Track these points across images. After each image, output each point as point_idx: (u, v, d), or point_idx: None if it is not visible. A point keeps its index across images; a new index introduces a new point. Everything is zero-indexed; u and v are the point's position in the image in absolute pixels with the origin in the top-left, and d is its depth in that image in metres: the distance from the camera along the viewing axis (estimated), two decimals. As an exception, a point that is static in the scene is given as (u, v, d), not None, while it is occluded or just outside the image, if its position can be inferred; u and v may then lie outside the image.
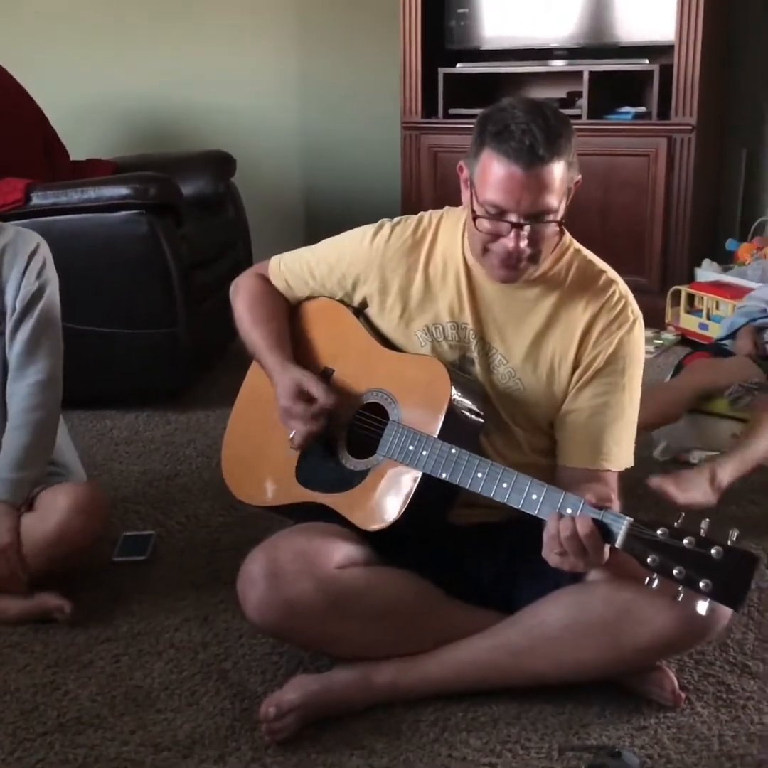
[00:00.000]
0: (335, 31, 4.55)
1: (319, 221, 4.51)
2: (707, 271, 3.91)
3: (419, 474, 1.66)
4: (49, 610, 1.98)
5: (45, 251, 2.12)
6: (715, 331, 3.19)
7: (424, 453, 1.65)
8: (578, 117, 3.92)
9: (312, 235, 2.01)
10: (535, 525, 1.55)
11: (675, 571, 1.41)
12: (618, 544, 1.47)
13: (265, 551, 1.68)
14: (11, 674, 1.85)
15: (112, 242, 2.96)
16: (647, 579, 1.44)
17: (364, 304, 1.87)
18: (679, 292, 3.81)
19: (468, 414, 1.71)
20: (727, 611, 1.61)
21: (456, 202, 1.79)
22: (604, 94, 3.96)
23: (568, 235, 1.78)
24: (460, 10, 4.15)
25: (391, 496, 1.69)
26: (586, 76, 3.91)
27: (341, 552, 1.69)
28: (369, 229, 1.86)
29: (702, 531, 1.43)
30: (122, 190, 2.94)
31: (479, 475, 1.60)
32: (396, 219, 1.86)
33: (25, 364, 2.06)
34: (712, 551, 1.39)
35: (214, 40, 4.51)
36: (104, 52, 4.49)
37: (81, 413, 3.04)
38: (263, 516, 1.93)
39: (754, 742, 1.66)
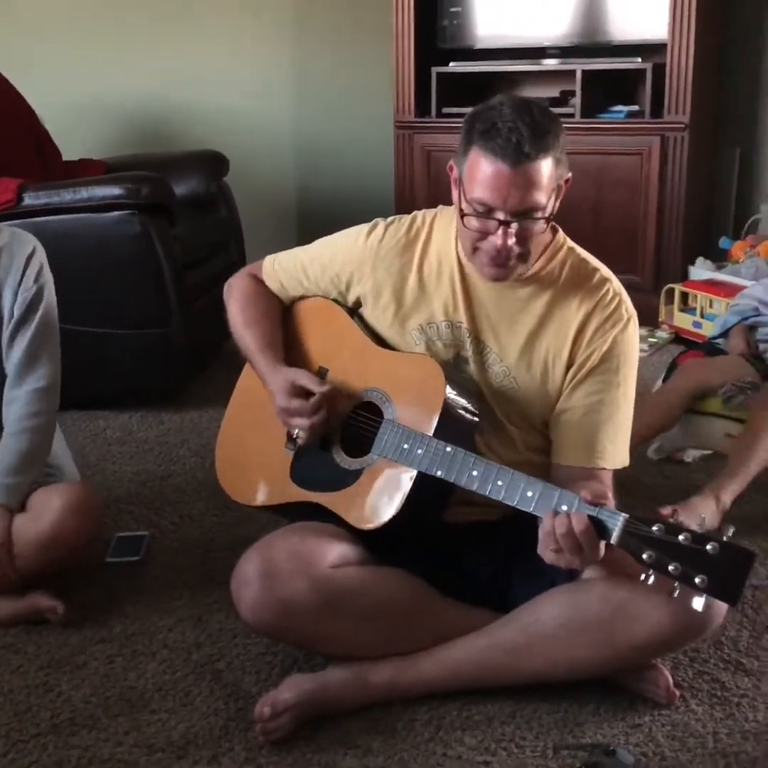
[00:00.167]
0: (328, 30, 4.55)
1: (312, 221, 4.50)
2: (701, 270, 3.91)
3: (414, 472, 1.66)
4: (42, 611, 1.98)
5: (41, 254, 2.11)
6: (709, 330, 3.19)
7: (419, 451, 1.65)
8: (571, 116, 3.92)
9: (305, 235, 2.00)
10: (531, 523, 1.55)
11: (671, 567, 1.41)
12: (613, 540, 1.47)
13: (259, 551, 1.68)
14: (4, 675, 1.84)
15: (105, 242, 2.95)
16: (643, 575, 1.44)
17: (358, 304, 1.86)
18: (672, 290, 3.82)
19: (463, 412, 1.70)
20: (722, 609, 1.61)
21: (449, 201, 1.79)
22: (597, 93, 3.96)
23: (561, 234, 1.78)
24: (453, 9, 4.15)
25: (386, 494, 1.69)
26: (579, 74, 3.92)
27: (335, 551, 1.69)
28: (363, 228, 1.86)
29: (698, 527, 1.43)
30: (115, 190, 2.93)
31: (474, 473, 1.60)
32: (390, 218, 1.86)
33: (25, 371, 2.05)
34: (708, 547, 1.39)
35: (208, 40, 4.50)
36: (97, 52, 4.48)
37: (74, 414, 3.03)
38: (257, 516, 1.93)
39: (749, 740, 1.66)
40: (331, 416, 1.79)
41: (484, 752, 1.63)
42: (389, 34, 4.14)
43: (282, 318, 1.94)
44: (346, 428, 1.80)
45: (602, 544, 1.50)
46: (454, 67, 4.14)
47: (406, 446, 1.66)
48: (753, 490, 2.37)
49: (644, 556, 1.43)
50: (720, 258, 4.02)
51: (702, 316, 3.68)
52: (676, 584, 1.41)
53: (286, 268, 1.94)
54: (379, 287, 1.81)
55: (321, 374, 1.86)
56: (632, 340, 1.76)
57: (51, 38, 4.44)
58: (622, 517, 1.47)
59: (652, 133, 3.86)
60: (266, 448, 1.86)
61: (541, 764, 1.60)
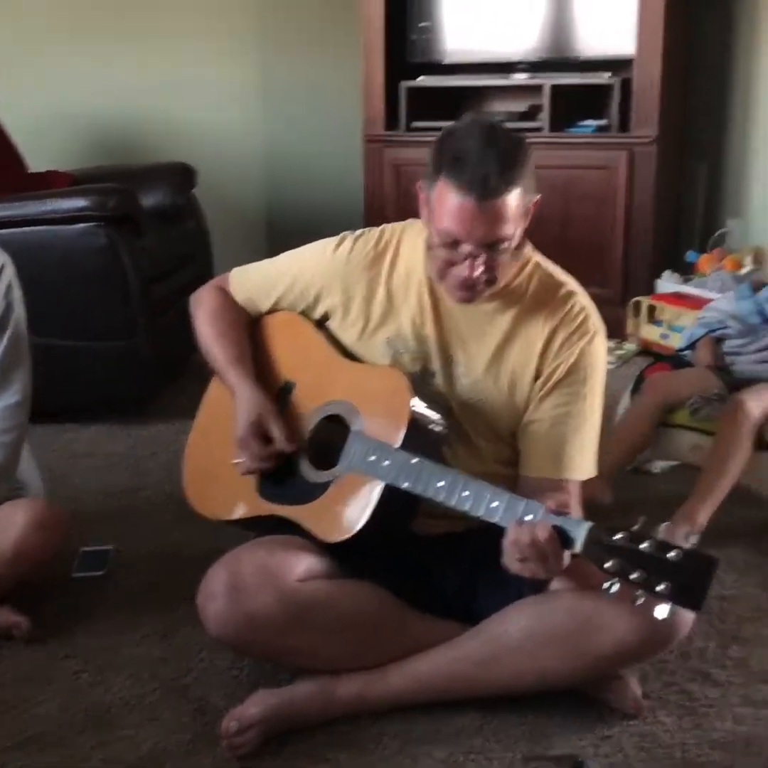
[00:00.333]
0: (297, 42, 4.56)
1: (281, 233, 4.50)
2: (668, 283, 3.95)
3: (381, 484, 1.65)
4: (7, 627, 1.95)
5: (11, 269, 2.10)
6: (677, 342, 3.21)
7: (386, 463, 1.65)
8: (540, 130, 3.95)
9: (275, 248, 2.00)
10: (498, 534, 1.55)
11: (634, 575, 1.41)
12: (577, 549, 1.48)
13: (226, 565, 1.67)
14: (-32, 692, 1.82)
15: (71, 254, 2.94)
16: (606, 584, 1.43)
17: (325, 317, 1.86)
18: (640, 302, 3.85)
19: (430, 425, 1.71)
20: (687, 619, 1.62)
21: (418, 214, 1.79)
22: (565, 108, 3.99)
23: (529, 248, 1.79)
24: (422, 24, 4.17)
25: (353, 507, 1.68)
26: (547, 89, 3.95)
27: (303, 565, 1.69)
28: (331, 241, 1.86)
29: (659, 534, 1.44)
30: (80, 202, 2.92)
31: (441, 484, 1.59)
32: (358, 231, 1.86)
33: None
34: (671, 555, 1.40)
35: (176, 52, 4.50)
36: (65, 64, 4.46)
37: (41, 427, 3.00)
38: (224, 530, 1.91)
39: (716, 750, 1.67)
40: (297, 430, 1.78)
41: (452, 765, 1.63)
42: (359, 47, 4.15)
43: (250, 331, 1.93)
44: (313, 441, 1.79)
45: (567, 553, 1.50)
46: (423, 81, 4.16)
47: (373, 458, 1.66)
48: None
49: (607, 564, 1.43)
50: (687, 271, 4.06)
51: (669, 329, 3.71)
52: (639, 592, 1.41)
53: (254, 281, 1.93)
54: (348, 300, 1.81)
55: (287, 387, 1.85)
56: (599, 353, 1.77)
57: (17, 50, 4.42)
58: (586, 525, 1.48)
59: (619, 148, 3.89)
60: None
61: (510, 776, 1.60)
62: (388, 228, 1.85)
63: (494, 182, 1.56)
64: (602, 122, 3.96)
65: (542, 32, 4.05)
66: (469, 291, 1.67)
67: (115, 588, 2.17)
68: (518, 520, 1.51)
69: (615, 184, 3.91)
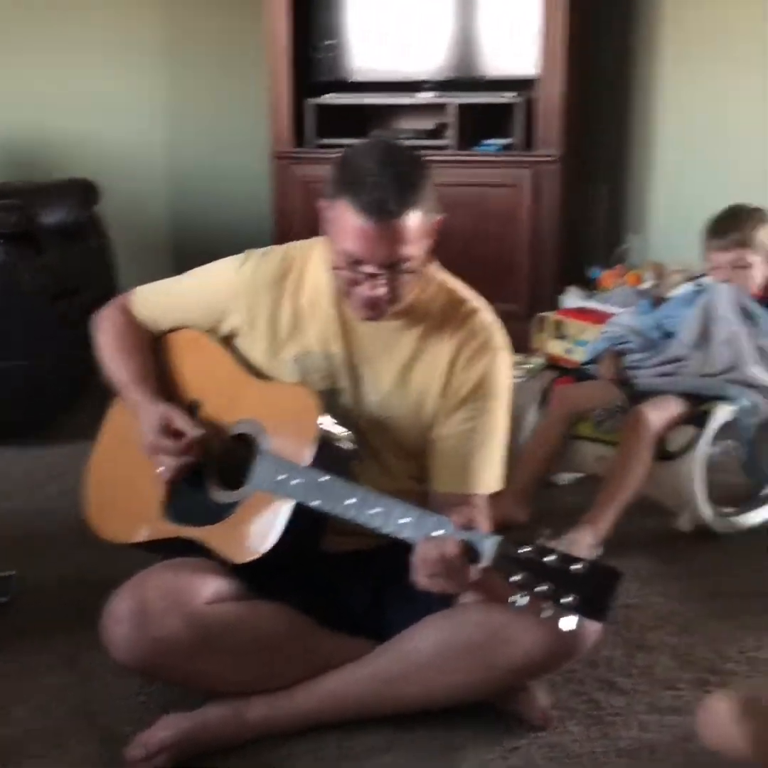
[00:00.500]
0: (204, 58, 4.53)
1: (188, 251, 4.45)
2: (572, 298, 4.02)
3: (291, 503, 1.64)
4: None
5: None
6: (581, 356, 3.28)
7: (295, 482, 1.64)
8: (447, 148, 4.01)
9: (181, 266, 1.98)
10: (407, 550, 1.55)
11: (540, 588, 1.42)
12: (485, 563, 1.49)
13: (131, 589, 1.64)
14: None
15: (-32, 272, 2.87)
16: (513, 597, 1.44)
17: (232, 335, 1.85)
18: (546, 318, 3.91)
19: (339, 442, 1.71)
20: (593, 630, 1.65)
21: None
22: (472, 126, 4.05)
23: (433, 265, 1.81)
24: (328, 42, 4.18)
25: (261, 527, 1.67)
26: (453, 108, 4.00)
27: (210, 587, 1.67)
28: (236, 259, 1.85)
29: (560, 546, 1.46)
30: (-23, 219, 2.86)
31: (350, 501, 1.59)
32: (263, 249, 1.85)
33: None
34: (576, 567, 1.42)
35: (79, 68, 4.41)
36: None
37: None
38: (131, 553, 1.88)
39: (623, 757, 1.70)
40: (205, 449, 1.76)
41: (363, 783, 1.63)
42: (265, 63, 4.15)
43: (153, 350, 1.91)
44: (220, 461, 1.78)
45: (475, 567, 1.51)
46: (329, 98, 4.17)
47: (281, 477, 1.65)
48: (627, 511, 2.44)
49: (514, 577, 1.44)
50: (590, 287, 4.14)
51: (574, 343, 3.78)
52: (545, 604, 1.43)
53: (157, 300, 1.91)
54: (254, 318, 1.81)
55: (193, 407, 1.83)
56: (503, 368, 1.80)
57: None
58: (493, 539, 1.49)
59: (524, 166, 3.96)
60: (137, 483, 1.82)
61: (421, 793, 1.61)
62: (294, 246, 1.86)
63: (393, 204, 1.58)
64: (507, 141, 4.03)
65: (448, 52, 4.10)
66: (373, 310, 1.68)
67: (18, 614, 2.11)
68: (427, 536, 1.52)
69: (520, 201, 3.98)
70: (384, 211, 1.58)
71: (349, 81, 4.22)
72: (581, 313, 3.84)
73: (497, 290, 3.61)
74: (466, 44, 4.09)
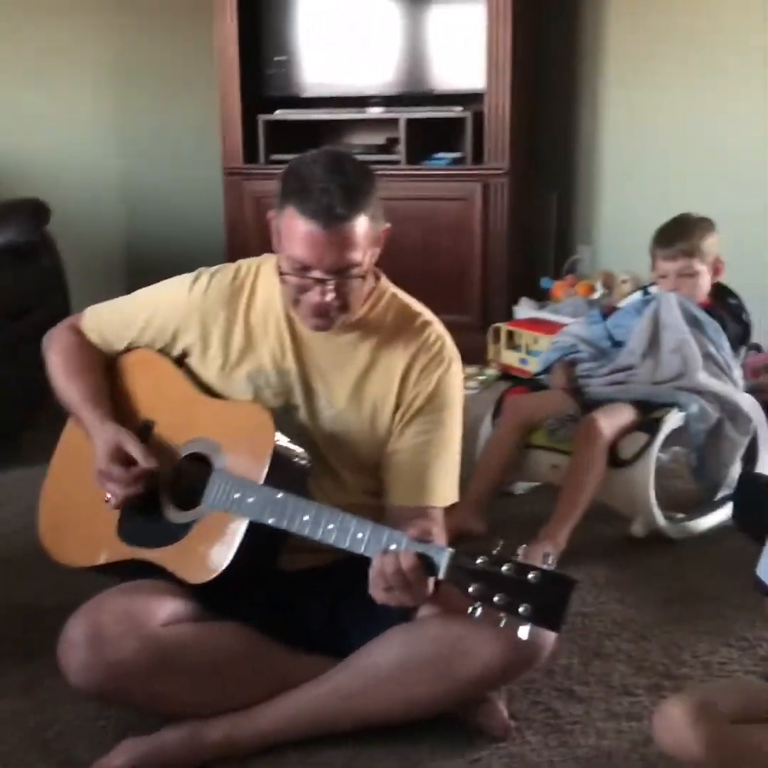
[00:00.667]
0: (152, 74, 4.52)
1: (141, 270, 4.42)
2: (525, 309, 4.07)
3: (246, 522, 1.64)
4: None
5: None
6: (535, 366, 3.31)
7: (250, 500, 1.64)
8: (397, 163, 4.03)
9: (134, 285, 1.97)
10: (364, 565, 1.56)
11: (495, 599, 1.43)
12: (441, 575, 1.49)
13: (86, 613, 1.63)
14: None
15: None
16: (470, 608, 1.45)
17: (184, 354, 1.85)
18: (499, 329, 3.95)
19: (294, 459, 1.71)
20: (549, 638, 1.66)
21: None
22: (421, 141, 4.09)
23: (384, 280, 1.82)
24: (278, 58, 4.20)
25: (217, 546, 1.66)
26: (403, 123, 4.03)
27: (166, 609, 1.66)
28: (187, 278, 1.85)
29: (518, 557, 1.47)
30: (-75, 240, 2.81)
31: (305, 517, 1.59)
32: (214, 267, 1.86)
33: None
34: (530, 576, 1.43)
35: (29, 86, 4.38)
36: None
37: None
38: (86, 577, 1.86)
39: (581, 765, 1.71)
40: (158, 473, 1.75)
41: (324, 800, 1.62)
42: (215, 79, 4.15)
43: (106, 370, 1.90)
44: (174, 481, 1.77)
45: (431, 580, 1.52)
46: (280, 114, 4.19)
47: (236, 496, 1.65)
48: (583, 518, 2.46)
49: (470, 589, 1.45)
50: (542, 297, 4.19)
51: (527, 353, 3.82)
52: (501, 614, 1.44)
53: (108, 320, 1.90)
54: (206, 337, 1.81)
55: (147, 427, 1.83)
56: (456, 380, 1.81)
57: None
58: (448, 551, 1.50)
59: (474, 180, 4.00)
60: (92, 506, 1.80)
61: (383, 808, 1.61)
62: (245, 263, 1.86)
63: (340, 209, 1.60)
64: (457, 155, 4.07)
65: (397, 67, 4.14)
66: (323, 318, 1.69)
67: (-29, 641, 2.08)
68: (383, 550, 1.53)
69: (471, 214, 4.01)
70: (331, 216, 1.59)
71: (300, 96, 4.23)
72: (534, 323, 3.89)
73: (451, 302, 3.67)
74: (414, 59, 4.13)
